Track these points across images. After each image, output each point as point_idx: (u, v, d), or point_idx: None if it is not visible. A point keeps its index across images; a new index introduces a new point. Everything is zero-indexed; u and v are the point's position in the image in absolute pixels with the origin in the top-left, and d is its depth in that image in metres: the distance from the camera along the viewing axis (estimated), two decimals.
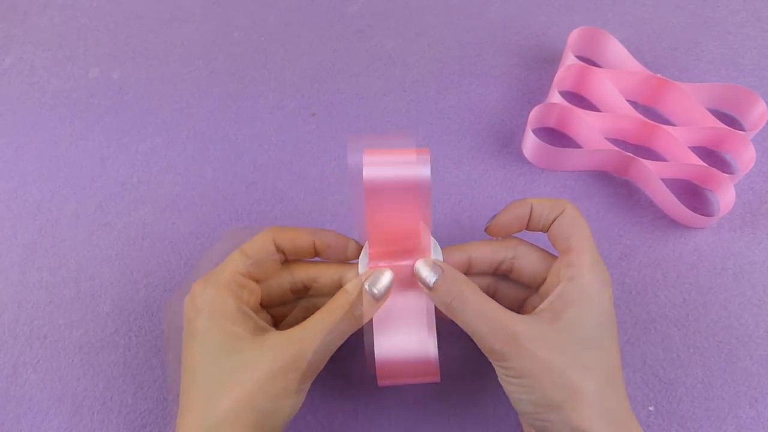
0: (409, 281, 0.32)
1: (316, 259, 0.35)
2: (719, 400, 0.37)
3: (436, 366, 0.31)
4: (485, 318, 0.29)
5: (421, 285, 0.31)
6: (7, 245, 0.43)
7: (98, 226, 0.43)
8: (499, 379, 0.30)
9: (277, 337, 0.29)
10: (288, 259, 0.34)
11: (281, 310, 0.35)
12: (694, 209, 0.42)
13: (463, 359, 0.38)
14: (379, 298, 0.30)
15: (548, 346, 0.28)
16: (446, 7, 0.54)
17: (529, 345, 0.28)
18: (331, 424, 0.37)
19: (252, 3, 0.55)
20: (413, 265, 0.31)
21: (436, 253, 0.33)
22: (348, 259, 0.34)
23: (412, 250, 0.31)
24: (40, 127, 0.48)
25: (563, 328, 0.28)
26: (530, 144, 0.45)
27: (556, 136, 0.47)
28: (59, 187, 0.45)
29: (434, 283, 0.30)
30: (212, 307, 0.30)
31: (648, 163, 0.42)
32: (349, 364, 0.38)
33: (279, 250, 0.32)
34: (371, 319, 0.31)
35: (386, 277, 0.31)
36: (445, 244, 0.42)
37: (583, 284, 0.29)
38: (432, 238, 0.32)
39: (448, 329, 0.37)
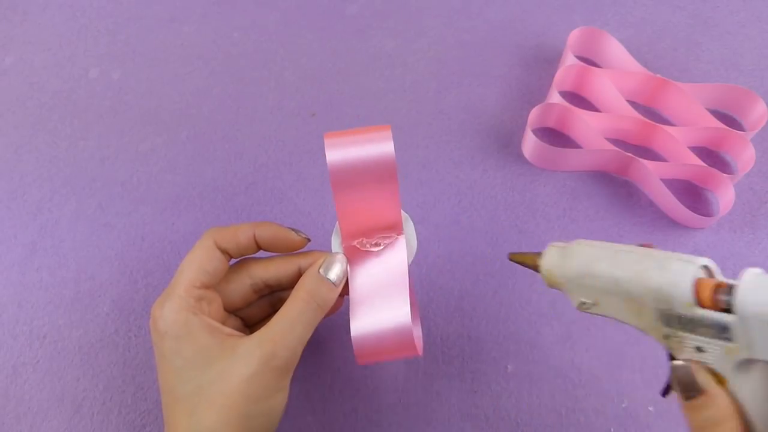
0: (383, 256, 0.32)
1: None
2: None
3: (413, 340, 0.31)
4: None
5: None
6: (7, 245, 0.43)
7: (98, 226, 0.43)
8: None
9: (246, 341, 0.29)
10: (233, 257, 0.33)
11: (250, 311, 0.35)
12: (694, 209, 0.42)
13: (463, 359, 0.38)
14: (336, 283, 0.31)
15: None
16: (446, 7, 0.54)
17: None
18: (331, 424, 0.37)
19: (252, 3, 0.55)
20: (387, 240, 0.31)
21: (408, 227, 0.33)
22: (295, 249, 0.33)
23: (383, 225, 0.32)
24: (40, 127, 0.48)
25: None
26: (530, 144, 0.45)
27: (555, 136, 0.47)
28: (59, 187, 0.45)
29: None
30: (175, 329, 0.29)
31: (648, 163, 0.42)
32: (348, 363, 0.38)
33: (223, 251, 0.32)
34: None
35: (339, 262, 0.31)
36: (445, 244, 0.42)
37: None
38: (403, 212, 0.33)
39: (448, 325, 0.37)
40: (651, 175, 0.42)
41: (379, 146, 0.30)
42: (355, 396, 0.37)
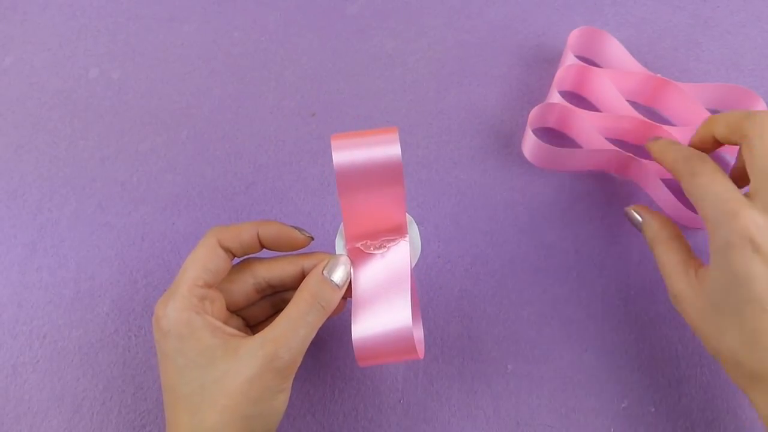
0: (386, 259, 0.32)
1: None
2: (719, 400, 0.37)
3: (413, 343, 0.31)
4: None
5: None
6: (7, 245, 0.43)
7: (98, 226, 0.43)
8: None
9: (249, 342, 0.29)
10: (236, 256, 0.33)
11: (251, 311, 0.35)
12: (695, 209, 0.42)
13: (463, 359, 0.38)
14: (340, 285, 0.31)
15: None
16: (446, 7, 0.54)
17: None
18: (331, 424, 0.37)
19: (252, 3, 0.55)
20: (391, 243, 0.32)
21: (412, 230, 0.33)
22: (299, 248, 0.33)
23: (388, 228, 0.32)
24: (40, 127, 0.48)
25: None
26: (530, 144, 0.45)
27: (555, 136, 0.47)
28: (59, 187, 0.45)
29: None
30: (178, 328, 0.29)
31: (648, 163, 0.42)
32: (348, 363, 0.38)
33: (226, 250, 0.32)
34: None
35: (343, 264, 0.31)
36: (445, 244, 0.42)
37: None
38: (408, 215, 0.33)
39: (448, 325, 0.36)
40: (651, 175, 0.42)
41: (386, 149, 0.30)
42: (355, 396, 0.37)
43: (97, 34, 0.53)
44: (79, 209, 0.44)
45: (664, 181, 0.43)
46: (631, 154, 0.43)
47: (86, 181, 0.45)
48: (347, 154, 0.30)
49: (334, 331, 0.39)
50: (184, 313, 0.29)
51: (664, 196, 0.43)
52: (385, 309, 0.31)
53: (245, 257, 0.34)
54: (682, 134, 0.44)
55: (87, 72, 0.51)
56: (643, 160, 0.42)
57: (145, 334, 0.39)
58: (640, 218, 0.36)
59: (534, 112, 0.45)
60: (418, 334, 0.34)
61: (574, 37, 0.48)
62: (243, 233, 0.32)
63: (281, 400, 0.30)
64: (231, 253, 0.32)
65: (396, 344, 0.31)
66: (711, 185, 0.31)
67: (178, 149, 0.47)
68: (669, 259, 0.33)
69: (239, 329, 0.33)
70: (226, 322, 0.32)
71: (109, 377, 0.38)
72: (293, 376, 0.30)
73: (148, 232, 0.43)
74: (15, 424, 0.37)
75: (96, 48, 0.52)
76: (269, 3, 0.55)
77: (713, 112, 0.47)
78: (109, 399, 0.38)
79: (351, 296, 0.32)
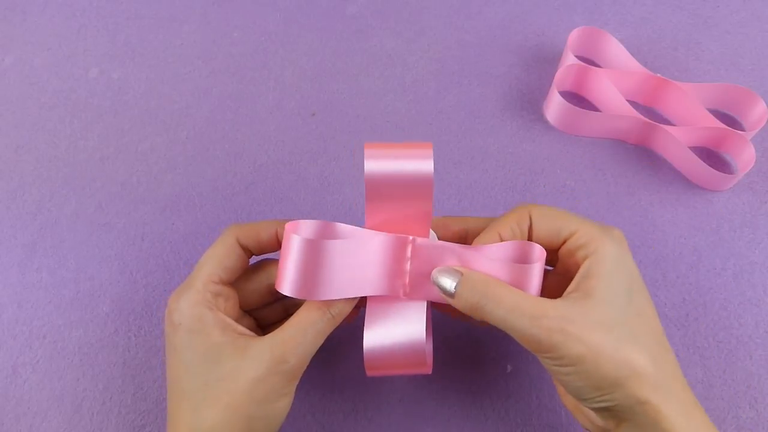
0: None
1: None
2: (719, 400, 0.37)
3: (424, 357, 0.30)
4: (521, 311, 0.27)
5: (442, 295, 0.30)
6: (7, 245, 0.43)
7: (98, 226, 0.43)
8: (549, 371, 0.29)
9: (257, 343, 0.29)
10: (254, 254, 0.33)
11: (264, 312, 0.35)
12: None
13: (464, 359, 0.38)
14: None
15: (594, 326, 0.27)
16: (446, 7, 0.54)
17: (576, 330, 0.27)
18: (331, 424, 0.37)
19: (252, 3, 0.55)
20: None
21: None
22: None
23: None
24: (40, 127, 0.48)
25: (601, 305, 0.27)
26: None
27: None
28: (59, 187, 0.45)
29: (455, 288, 0.29)
30: (189, 322, 0.29)
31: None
32: (348, 363, 0.38)
33: (244, 248, 0.32)
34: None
35: None
36: None
37: (604, 255, 0.28)
38: (432, 231, 0.32)
39: (447, 326, 0.36)
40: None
41: (419, 163, 0.29)
42: (355, 396, 0.37)
43: (97, 34, 0.53)
44: (79, 209, 0.44)
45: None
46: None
47: (86, 181, 0.45)
48: (379, 164, 0.29)
49: (335, 332, 0.39)
50: (197, 308, 0.29)
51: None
52: (399, 321, 0.30)
53: (263, 257, 0.34)
54: (681, 134, 0.44)
55: (87, 72, 0.51)
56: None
57: (145, 335, 0.39)
58: (453, 280, 0.29)
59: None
60: (428, 347, 0.34)
61: (574, 37, 0.49)
62: (262, 232, 0.32)
63: (284, 403, 0.30)
64: (249, 252, 0.32)
65: (407, 357, 0.30)
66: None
67: (178, 149, 0.47)
68: (522, 297, 0.28)
69: (250, 329, 0.33)
70: (238, 321, 0.32)
71: (109, 377, 0.38)
72: (298, 380, 0.30)
73: (148, 232, 0.43)
74: (15, 424, 0.37)
75: (96, 48, 0.52)
76: (269, 3, 0.55)
77: (713, 111, 0.47)
78: (109, 399, 0.38)
79: (364, 305, 0.31)
